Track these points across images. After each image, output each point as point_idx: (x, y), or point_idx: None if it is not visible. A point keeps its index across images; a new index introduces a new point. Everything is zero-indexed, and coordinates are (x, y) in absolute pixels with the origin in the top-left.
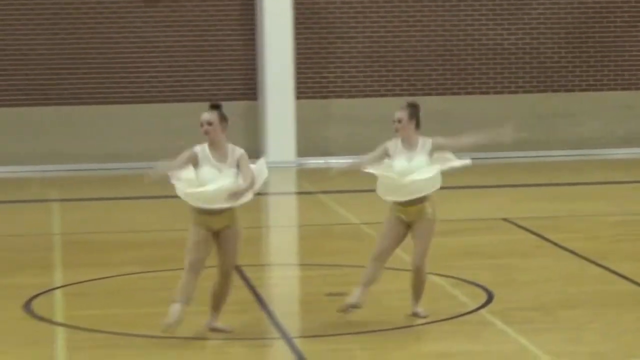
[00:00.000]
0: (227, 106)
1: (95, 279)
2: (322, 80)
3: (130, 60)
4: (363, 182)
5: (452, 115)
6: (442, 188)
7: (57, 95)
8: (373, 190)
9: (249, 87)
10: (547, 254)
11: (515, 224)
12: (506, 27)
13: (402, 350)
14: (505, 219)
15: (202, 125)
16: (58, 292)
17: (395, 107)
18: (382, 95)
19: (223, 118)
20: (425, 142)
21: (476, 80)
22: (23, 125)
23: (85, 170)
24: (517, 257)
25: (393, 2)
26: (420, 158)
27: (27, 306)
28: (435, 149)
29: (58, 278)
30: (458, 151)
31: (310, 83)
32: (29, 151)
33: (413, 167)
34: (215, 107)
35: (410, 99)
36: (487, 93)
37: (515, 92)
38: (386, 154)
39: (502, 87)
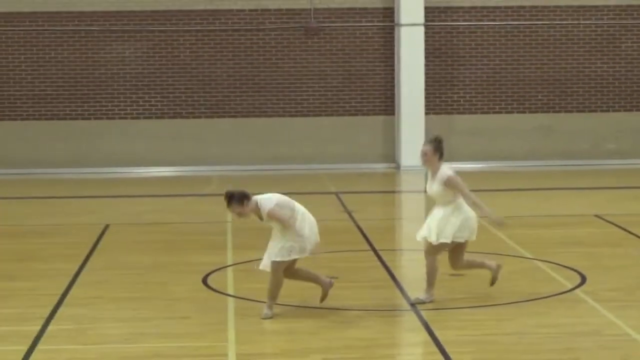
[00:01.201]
0: (370, 120)
1: (259, 259)
2: (447, 99)
3: (289, 82)
4: (480, 184)
5: (552, 129)
6: (544, 189)
7: (232, 109)
8: (489, 190)
9: (388, 105)
10: (631, 245)
11: (605, 220)
12: (600, 57)
13: (510, 321)
14: (597, 215)
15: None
16: (229, 269)
17: (507, 122)
18: (496, 112)
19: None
20: (443, 174)
21: (574, 100)
22: (205, 133)
23: (253, 170)
24: (606, 247)
25: (507, 36)
26: (435, 186)
27: (205, 280)
28: (448, 184)
29: (230, 257)
30: (464, 198)
31: (438, 101)
32: (209, 154)
33: (432, 194)
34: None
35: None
36: (583, 111)
37: (606, 111)
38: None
39: (595, 106)
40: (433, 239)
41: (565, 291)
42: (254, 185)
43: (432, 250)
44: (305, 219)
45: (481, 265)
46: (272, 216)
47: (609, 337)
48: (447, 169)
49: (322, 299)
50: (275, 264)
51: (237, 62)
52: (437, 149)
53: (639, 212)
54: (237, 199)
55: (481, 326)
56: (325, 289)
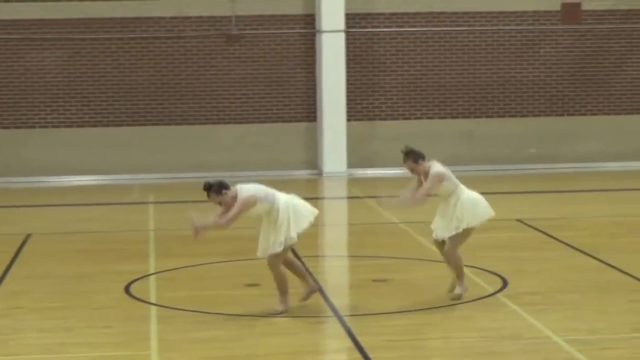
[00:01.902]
0: (292, 126)
1: (182, 267)
2: (369, 105)
3: (211, 89)
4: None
5: (476, 134)
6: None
7: (154, 117)
8: None
9: (310, 111)
10: (552, 249)
11: (527, 224)
12: (519, 62)
13: (434, 326)
14: (518, 220)
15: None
16: (152, 278)
17: (429, 128)
18: (418, 118)
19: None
20: (430, 172)
21: (495, 105)
22: (125, 141)
23: (176, 178)
24: (527, 251)
25: (428, 42)
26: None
27: (127, 289)
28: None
29: (152, 266)
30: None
31: (359, 108)
32: (132, 162)
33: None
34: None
35: (407, 147)
36: (504, 116)
37: (527, 116)
38: None
39: (515, 111)
40: (452, 231)
41: (487, 295)
42: (177, 193)
43: (452, 245)
44: (289, 209)
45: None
46: (237, 204)
47: (530, 340)
48: (433, 167)
49: (303, 299)
50: (270, 259)
51: (159, 70)
52: (414, 158)
53: (560, 216)
54: (215, 189)
55: (405, 331)
56: (309, 290)
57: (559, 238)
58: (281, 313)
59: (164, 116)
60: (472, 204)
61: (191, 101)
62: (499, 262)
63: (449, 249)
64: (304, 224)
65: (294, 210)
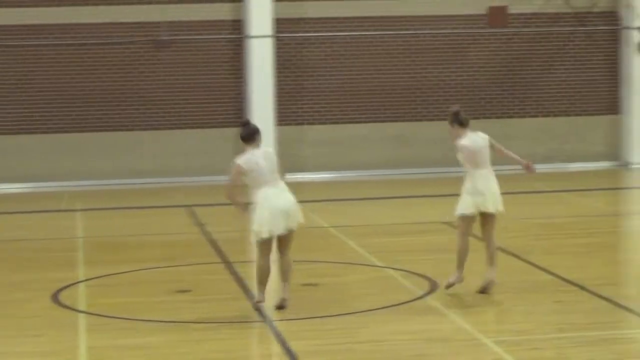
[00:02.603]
0: (221, 132)
1: (112, 274)
2: (298, 110)
3: (140, 95)
4: (333, 193)
5: (406, 138)
6: (396, 197)
7: (79, 124)
8: (342, 200)
9: (239, 116)
10: (480, 250)
11: (454, 226)
12: (447, 66)
13: (364, 330)
14: (447, 223)
15: None
16: (81, 285)
17: (359, 132)
18: (347, 122)
19: None
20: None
21: (424, 109)
22: (53, 148)
23: (103, 185)
24: (453, 253)
25: (357, 46)
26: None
27: (55, 297)
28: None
29: (82, 273)
30: None
31: (288, 112)
32: (59, 169)
33: None
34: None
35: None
36: (433, 120)
37: None
38: None
39: (444, 115)
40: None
41: (416, 298)
42: (106, 200)
43: (459, 227)
44: (266, 203)
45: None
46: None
47: (459, 342)
48: (462, 139)
49: (278, 307)
50: (256, 245)
51: (86, 77)
52: (451, 122)
53: None
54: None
55: (335, 335)
56: (284, 295)
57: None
58: (258, 302)
59: (94, 123)
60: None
61: (119, 107)
62: (428, 265)
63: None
64: (277, 227)
65: (269, 206)
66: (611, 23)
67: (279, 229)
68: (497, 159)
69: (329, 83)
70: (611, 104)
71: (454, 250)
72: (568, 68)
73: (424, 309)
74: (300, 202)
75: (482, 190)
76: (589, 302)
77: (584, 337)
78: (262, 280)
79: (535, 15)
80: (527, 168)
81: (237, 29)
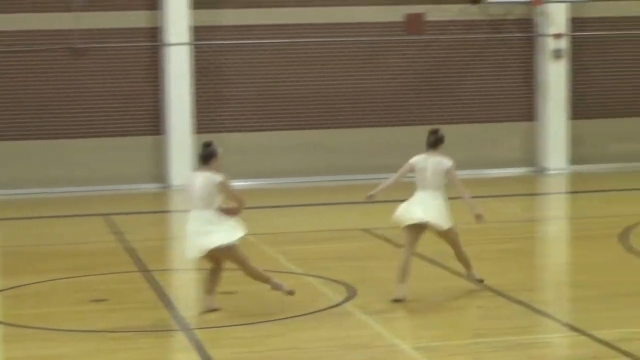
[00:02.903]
0: (139, 140)
1: (28, 284)
2: (217, 117)
3: (56, 103)
4: (251, 201)
5: (325, 145)
6: (314, 204)
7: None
8: (260, 207)
9: (156, 124)
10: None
11: (373, 234)
12: (365, 73)
13: (283, 337)
14: (365, 229)
15: None
16: None
17: (276, 139)
18: (265, 130)
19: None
20: None
21: (342, 116)
22: None
23: (20, 194)
24: (374, 260)
25: (274, 53)
26: None
27: None
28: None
29: None
30: None
31: (207, 120)
32: None
33: None
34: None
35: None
36: (351, 127)
37: (374, 126)
38: None
39: (363, 122)
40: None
41: (335, 305)
42: (21, 209)
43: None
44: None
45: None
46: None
47: (379, 348)
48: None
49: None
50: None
51: (2, 85)
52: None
53: None
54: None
55: (254, 343)
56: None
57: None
58: (289, 292)
59: (10, 131)
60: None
61: (35, 115)
62: (347, 272)
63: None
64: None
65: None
66: (526, 30)
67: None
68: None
69: (248, 91)
70: (527, 110)
71: (373, 257)
72: (484, 75)
73: (342, 315)
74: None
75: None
76: (506, 308)
77: (502, 342)
78: (266, 277)
79: (451, 22)
80: (478, 218)
81: (154, 36)
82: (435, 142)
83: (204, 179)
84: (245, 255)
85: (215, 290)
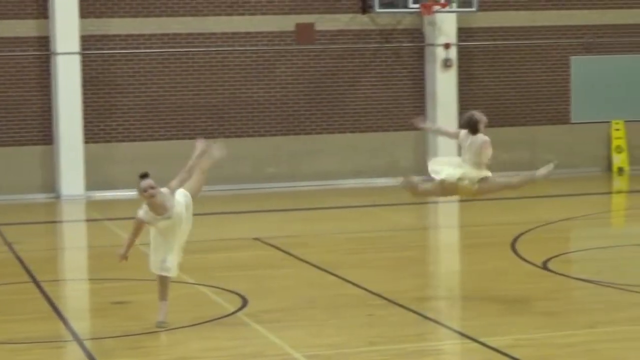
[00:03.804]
0: (28, 150)
1: None
2: (107, 127)
3: None
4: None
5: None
6: (205, 214)
7: None
8: None
9: (46, 134)
10: (291, 266)
11: (265, 242)
12: (256, 82)
13: (176, 347)
14: (256, 238)
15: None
16: None
17: (167, 149)
18: (156, 139)
19: None
20: None
21: (232, 125)
22: None
23: None
24: (266, 269)
25: (164, 63)
26: None
27: None
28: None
29: None
30: None
31: (97, 130)
32: None
33: None
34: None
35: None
36: (242, 136)
37: (264, 135)
38: None
39: (253, 131)
40: None
41: (227, 314)
42: None
43: None
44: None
45: None
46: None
47: (271, 357)
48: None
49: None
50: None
51: None
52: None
53: (298, 234)
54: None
55: (146, 353)
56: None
57: (297, 255)
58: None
59: None
60: None
61: None
62: (239, 281)
63: None
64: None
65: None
66: (416, 40)
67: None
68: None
69: (138, 100)
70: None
71: (265, 265)
72: (375, 84)
73: (235, 324)
74: (109, 219)
75: None
76: (398, 315)
77: (395, 349)
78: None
79: (341, 32)
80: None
81: (43, 45)
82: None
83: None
84: None
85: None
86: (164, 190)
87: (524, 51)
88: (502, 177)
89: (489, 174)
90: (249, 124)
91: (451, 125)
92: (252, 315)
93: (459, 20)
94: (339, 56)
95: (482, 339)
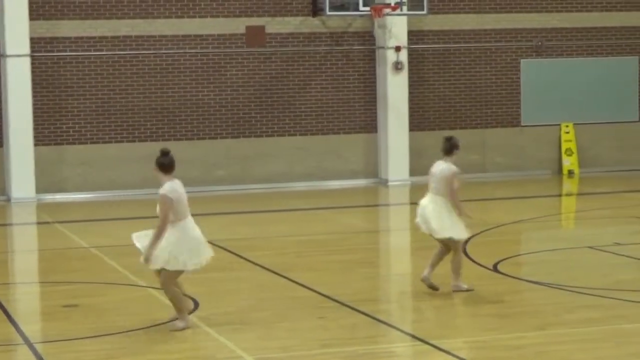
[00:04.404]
0: None
1: None
2: (57, 130)
3: None
4: (93, 213)
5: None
6: (154, 217)
7: None
8: (101, 220)
9: None
10: (242, 269)
11: (216, 245)
12: (206, 85)
13: (127, 349)
14: (208, 242)
15: None
16: None
17: (117, 152)
18: (106, 142)
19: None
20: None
21: (183, 128)
22: None
23: None
24: (218, 271)
25: (114, 65)
26: None
27: None
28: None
29: None
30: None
31: (47, 132)
32: None
33: None
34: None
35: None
36: (192, 139)
37: (215, 138)
38: None
39: (203, 134)
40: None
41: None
42: None
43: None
44: (186, 235)
45: None
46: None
47: None
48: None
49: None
50: (164, 275)
51: None
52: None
53: (249, 237)
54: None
55: (98, 356)
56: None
57: (248, 258)
58: (182, 329)
59: None
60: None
61: None
62: (190, 284)
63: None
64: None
65: (190, 241)
66: (366, 43)
67: (203, 261)
68: None
69: (89, 102)
70: (368, 122)
71: (217, 268)
72: (325, 87)
73: (187, 328)
74: (60, 222)
75: None
76: (349, 318)
77: (347, 352)
78: (183, 305)
79: (292, 34)
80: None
81: None
82: (448, 149)
83: (180, 184)
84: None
85: None
86: None
87: (474, 54)
88: None
89: None
90: (199, 127)
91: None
92: (203, 318)
93: (409, 23)
94: (290, 59)
95: (433, 341)
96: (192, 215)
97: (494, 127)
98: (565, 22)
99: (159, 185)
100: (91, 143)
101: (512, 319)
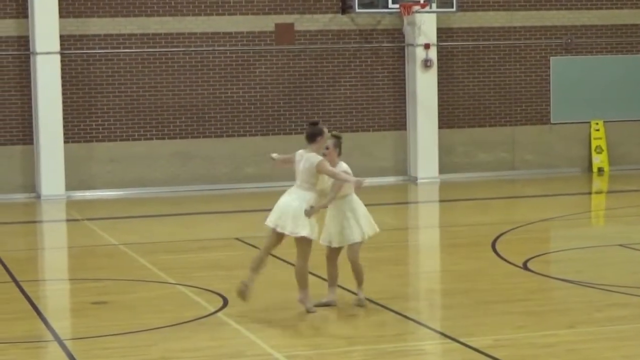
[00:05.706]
0: (8, 150)
1: None
2: (87, 127)
3: None
4: (122, 211)
5: (196, 155)
6: (186, 214)
7: None
8: (130, 217)
9: (26, 134)
10: (271, 266)
11: (245, 242)
12: (235, 82)
13: (156, 347)
14: (237, 238)
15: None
16: None
17: (146, 149)
18: (136, 139)
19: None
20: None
21: (212, 125)
22: None
23: None
24: (246, 269)
25: (144, 63)
26: None
27: None
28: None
29: None
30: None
31: (77, 130)
32: None
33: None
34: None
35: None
36: (221, 136)
37: (244, 135)
38: None
39: (232, 131)
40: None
41: (208, 314)
42: None
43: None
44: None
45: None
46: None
47: (252, 357)
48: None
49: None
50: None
51: None
52: (336, 144)
53: None
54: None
55: (126, 353)
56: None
57: (277, 255)
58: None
59: None
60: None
61: None
62: (219, 281)
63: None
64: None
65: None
66: (396, 40)
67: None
68: None
69: (118, 100)
70: (397, 120)
71: (246, 266)
72: (354, 84)
73: (216, 324)
74: (89, 219)
75: None
76: (378, 315)
77: (375, 349)
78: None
79: (321, 32)
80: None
81: (22, 45)
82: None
83: (308, 157)
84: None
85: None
86: None
87: (504, 51)
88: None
89: None
90: (228, 124)
91: (433, 122)
92: (232, 315)
93: (438, 21)
94: (319, 56)
95: (462, 339)
96: (219, 212)
97: (523, 124)
98: (595, 20)
99: (186, 182)
100: (120, 140)
101: (542, 317)
